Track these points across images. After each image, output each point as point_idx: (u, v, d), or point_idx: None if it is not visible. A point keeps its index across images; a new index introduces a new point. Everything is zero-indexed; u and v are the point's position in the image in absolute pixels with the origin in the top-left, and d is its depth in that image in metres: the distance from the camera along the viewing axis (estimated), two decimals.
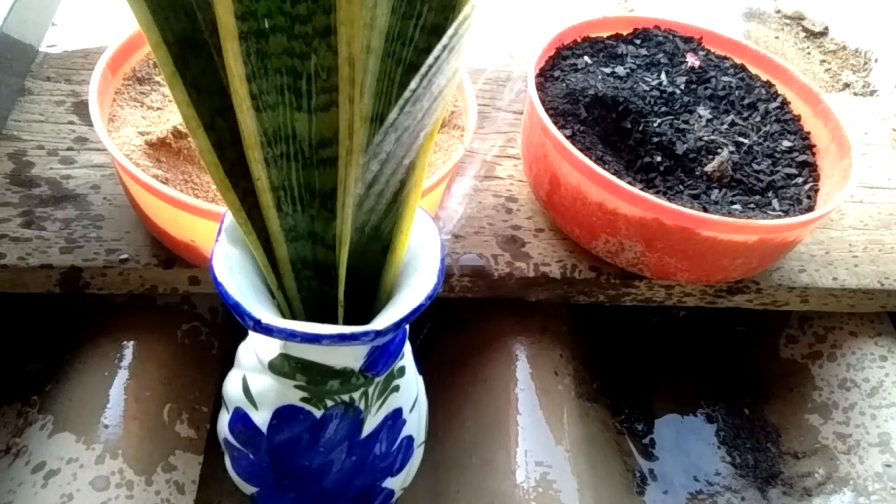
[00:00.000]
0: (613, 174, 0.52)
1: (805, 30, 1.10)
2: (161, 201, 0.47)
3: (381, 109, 0.33)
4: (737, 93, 0.63)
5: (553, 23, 0.94)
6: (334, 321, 0.37)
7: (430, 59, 0.28)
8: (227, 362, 0.47)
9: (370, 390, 0.40)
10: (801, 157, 0.60)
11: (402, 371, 0.42)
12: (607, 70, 0.62)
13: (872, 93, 0.99)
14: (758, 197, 0.56)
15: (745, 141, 0.59)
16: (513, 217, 0.61)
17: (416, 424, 0.45)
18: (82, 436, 0.49)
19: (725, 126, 0.60)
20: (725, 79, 0.64)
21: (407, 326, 0.37)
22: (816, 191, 0.58)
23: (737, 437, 0.63)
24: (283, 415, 0.40)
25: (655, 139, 0.57)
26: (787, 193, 0.57)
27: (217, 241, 0.35)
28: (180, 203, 0.46)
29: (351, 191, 0.33)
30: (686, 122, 0.59)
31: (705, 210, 0.53)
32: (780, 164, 0.59)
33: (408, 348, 0.43)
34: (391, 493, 0.46)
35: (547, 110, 0.56)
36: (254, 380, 0.41)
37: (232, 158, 0.32)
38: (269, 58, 0.30)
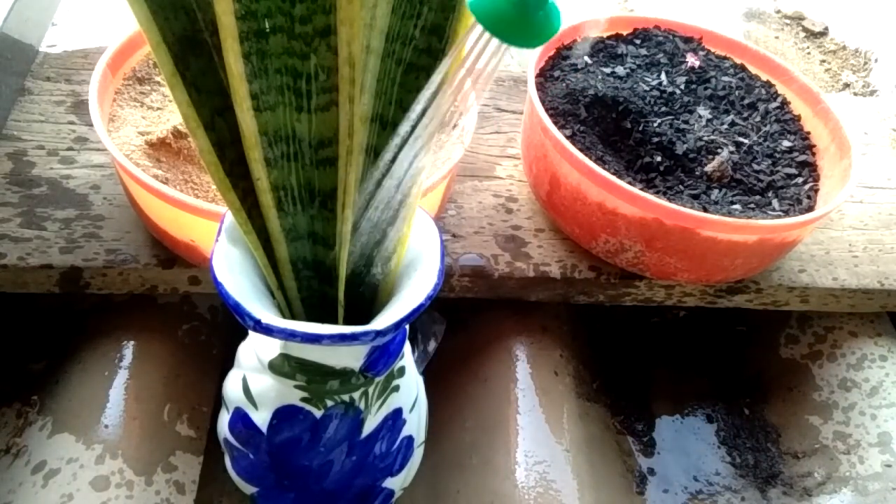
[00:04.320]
0: (613, 174, 0.52)
1: (805, 30, 1.10)
2: (161, 201, 0.47)
3: (381, 109, 0.33)
4: (737, 93, 0.63)
5: None
6: (334, 321, 0.37)
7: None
8: (227, 362, 0.47)
9: (370, 390, 0.40)
10: (801, 157, 0.60)
11: (402, 371, 0.42)
12: (607, 70, 0.62)
13: (872, 93, 0.99)
14: (758, 197, 0.56)
15: (745, 141, 0.59)
16: (513, 217, 0.61)
17: (416, 424, 0.45)
18: (82, 436, 0.49)
19: (725, 126, 0.60)
20: (725, 79, 0.64)
21: (407, 327, 0.37)
22: (816, 191, 0.58)
23: (737, 437, 0.63)
24: (283, 415, 0.40)
25: (655, 139, 0.57)
26: (787, 193, 0.57)
27: (217, 241, 0.35)
28: (180, 203, 0.46)
29: (351, 191, 0.33)
30: (686, 122, 0.59)
31: (705, 210, 0.53)
32: (780, 164, 0.59)
33: (408, 348, 0.43)
34: (391, 493, 0.46)
35: (547, 110, 0.56)
36: (254, 380, 0.41)
37: (232, 158, 0.32)
38: (270, 58, 0.30)
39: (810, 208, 0.56)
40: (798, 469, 0.60)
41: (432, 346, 0.47)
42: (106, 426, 0.50)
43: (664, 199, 0.51)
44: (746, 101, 0.63)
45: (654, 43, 0.66)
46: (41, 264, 0.52)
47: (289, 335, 0.32)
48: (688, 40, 0.67)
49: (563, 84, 0.60)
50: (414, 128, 0.30)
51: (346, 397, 0.39)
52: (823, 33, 1.10)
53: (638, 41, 0.66)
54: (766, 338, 0.68)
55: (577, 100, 0.58)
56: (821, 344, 0.65)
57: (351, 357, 0.37)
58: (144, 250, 0.53)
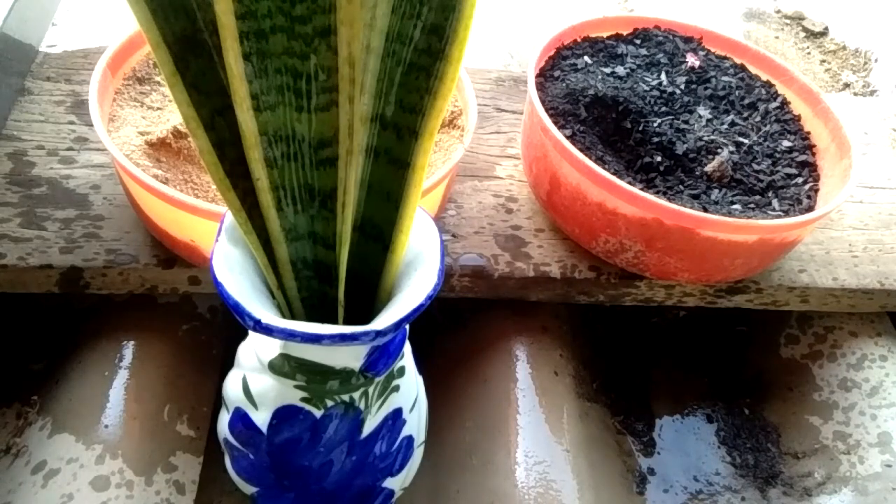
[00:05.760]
0: (613, 174, 0.52)
1: (805, 30, 1.10)
2: (161, 201, 0.47)
3: (381, 109, 0.33)
4: (737, 93, 0.63)
5: (553, 23, 0.94)
6: (334, 321, 0.37)
7: None
8: (227, 362, 0.47)
9: (370, 390, 0.40)
10: (801, 157, 0.60)
11: (402, 371, 0.42)
12: (607, 70, 0.62)
13: (872, 93, 0.99)
14: (758, 197, 0.56)
15: (745, 141, 0.59)
16: (513, 217, 0.61)
17: (416, 424, 0.45)
18: (82, 436, 0.49)
19: (725, 126, 0.60)
20: (725, 79, 0.64)
21: (407, 326, 0.37)
22: (816, 191, 0.58)
23: (737, 437, 0.63)
24: (283, 415, 0.40)
25: (655, 139, 0.57)
26: (787, 193, 0.57)
27: (217, 241, 0.35)
28: (180, 203, 0.46)
29: (351, 191, 0.33)
30: (686, 122, 0.59)
31: (705, 210, 0.53)
32: (780, 164, 0.59)
33: (408, 348, 0.43)
34: (391, 493, 0.46)
35: (547, 110, 0.56)
36: (254, 380, 0.41)
37: (232, 158, 0.32)
38: (270, 58, 0.30)
39: (810, 208, 0.56)
40: (798, 469, 0.60)
41: None
42: (106, 426, 0.50)
43: (664, 199, 0.51)
44: (746, 101, 0.63)
45: (654, 43, 0.66)
46: (41, 264, 0.52)
47: (289, 335, 0.32)
48: (688, 40, 0.67)
49: (563, 84, 0.60)
50: None
51: (346, 397, 0.39)
52: (823, 33, 1.10)
53: (638, 41, 0.66)
54: (766, 338, 0.68)
55: (577, 100, 0.58)
56: (821, 344, 0.65)
57: (351, 357, 0.37)
58: (144, 250, 0.53)
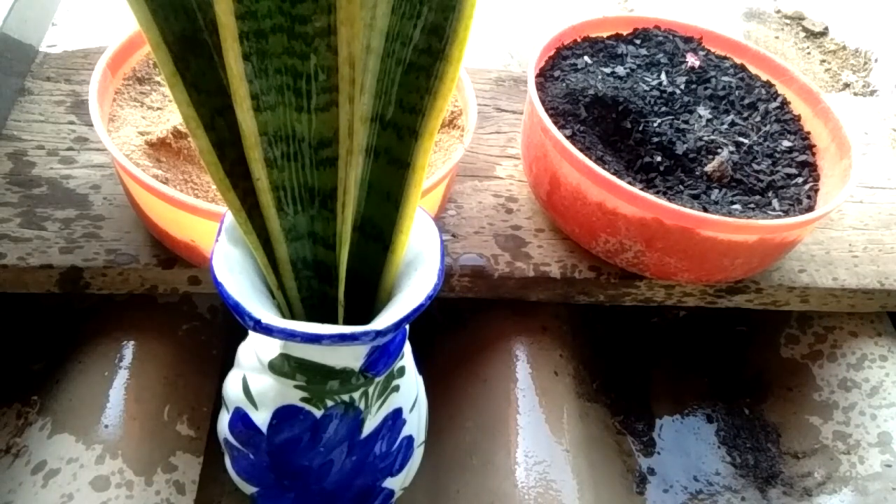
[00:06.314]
0: (613, 174, 0.52)
1: (805, 30, 1.10)
2: (161, 201, 0.47)
3: (381, 109, 0.33)
4: (737, 93, 0.63)
5: (553, 23, 0.94)
6: (334, 321, 0.37)
7: None
8: (227, 362, 0.47)
9: (370, 390, 0.40)
10: (801, 157, 0.60)
11: (402, 371, 0.42)
12: (607, 70, 0.62)
13: (872, 93, 0.99)
14: (758, 197, 0.56)
15: (745, 141, 0.59)
16: (513, 217, 0.61)
17: (416, 424, 0.45)
18: (82, 436, 0.49)
19: (725, 126, 0.60)
20: (725, 79, 0.64)
21: (407, 326, 0.37)
22: (816, 191, 0.58)
23: (737, 437, 0.63)
24: (283, 415, 0.40)
25: (655, 139, 0.57)
26: (787, 193, 0.57)
27: (217, 241, 0.35)
28: (180, 203, 0.46)
29: (351, 191, 0.33)
30: (686, 122, 0.59)
31: (705, 210, 0.53)
32: (780, 164, 0.59)
33: (408, 348, 0.43)
34: (391, 493, 0.46)
35: (547, 110, 0.56)
36: (254, 380, 0.41)
37: (232, 158, 0.32)
38: (270, 58, 0.30)
39: (810, 208, 0.56)
40: (798, 469, 0.60)
41: None
42: (106, 426, 0.50)
43: (664, 199, 0.51)
44: (746, 101, 0.63)
45: (654, 43, 0.66)
46: (41, 264, 0.52)
47: (289, 335, 0.32)
48: (688, 40, 0.67)
49: (563, 84, 0.60)
50: None
51: (346, 397, 0.39)
52: (823, 33, 1.10)
53: (638, 41, 0.66)
54: (766, 338, 0.68)
55: (577, 100, 0.58)
56: (821, 344, 0.65)
57: (351, 357, 0.37)
58: (144, 250, 0.53)
